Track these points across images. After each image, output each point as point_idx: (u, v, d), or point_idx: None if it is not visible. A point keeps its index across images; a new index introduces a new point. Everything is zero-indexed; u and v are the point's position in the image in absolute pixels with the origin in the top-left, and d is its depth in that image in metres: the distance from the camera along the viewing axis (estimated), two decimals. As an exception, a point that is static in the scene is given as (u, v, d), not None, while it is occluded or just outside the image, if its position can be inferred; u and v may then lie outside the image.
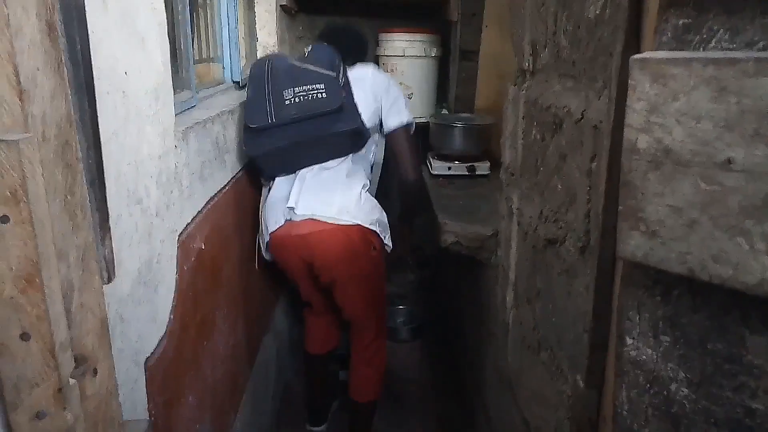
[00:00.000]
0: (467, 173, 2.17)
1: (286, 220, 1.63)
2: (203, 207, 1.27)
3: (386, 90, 1.72)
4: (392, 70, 2.51)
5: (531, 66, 1.28)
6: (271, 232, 1.66)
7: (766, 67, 0.40)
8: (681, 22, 0.49)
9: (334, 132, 1.54)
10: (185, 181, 1.14)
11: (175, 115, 1.21)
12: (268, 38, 2.27)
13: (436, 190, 2.07)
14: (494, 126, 2.10)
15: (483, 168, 2.17)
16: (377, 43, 2.55)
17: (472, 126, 2.17)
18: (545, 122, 1.15)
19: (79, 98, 0.60)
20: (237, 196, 1.55)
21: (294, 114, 1.51)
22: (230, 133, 1.52)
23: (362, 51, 1.86)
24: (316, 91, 1.51)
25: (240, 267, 1.60)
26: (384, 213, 1.76)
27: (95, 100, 0.63)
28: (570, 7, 1.01)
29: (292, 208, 1.61)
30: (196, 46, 1.80)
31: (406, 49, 2.47)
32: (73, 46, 0.59)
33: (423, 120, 2.48)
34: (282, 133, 1.52)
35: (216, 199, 1.36)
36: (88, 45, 0.62)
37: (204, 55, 1.85)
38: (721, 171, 0.44)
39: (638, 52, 0.69)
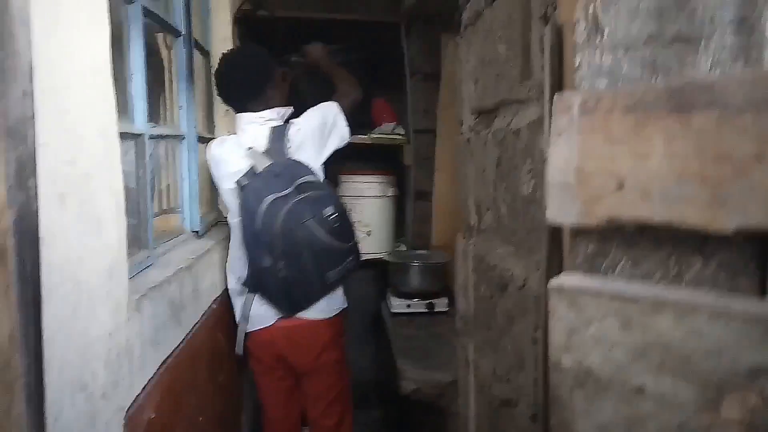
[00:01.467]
0: (426, 310, 2.20)
1: (278, 319, 1.79)
2: (155, 373, 1.23)
3: (320, 136, 1.80)
4: (352, 209, 2.60)
5: (477, 224, 1.35)
6: (256, 330, 1.82)
7: (662, 308, 0.45)
8: (590, 247, 0.54)
9: None
10: (137, 351, 1.12)
11: (130, 278, 1.22)
12: (229, 183, 2.35)
13: (396, 329, 2.08)
14: (450, 263, 2.17)
15: (441, 305, 2.21)
16: (337, 184, 2.66)
17: (429, 265, 2.23)
18: (492, 281, 1.20)
19: (24, 316, 0.60)
20: (191, 353, 1.52)
21: (333, 287, 1.80)
22: (187, 290, 1.52)
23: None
24: (349, 264, 1.79)
25: (195, 424, 1.53)
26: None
27: (41, 315, 0.64)
28: (507, 180, 1.10)
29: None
30: (156, 199, 1.85)
31: (365, 189, 2.59)
32: (23, 267, 0.61)
33: (381, 256, 2.54)
34: None
35: (169, 360, 1.33)
36: (39, 264, 0.64)
37: (164, 207, 1.90)
38: (636, 396, 0.47)
39: (561, 247, 0.75)
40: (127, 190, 1.43)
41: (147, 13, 1.46)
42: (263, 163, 1.70)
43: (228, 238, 1.92)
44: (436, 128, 2.39)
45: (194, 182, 1.88)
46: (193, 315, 1.58)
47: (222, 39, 2.21)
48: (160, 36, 1.84)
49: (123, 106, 1.38)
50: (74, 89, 0.89)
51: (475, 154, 1.34)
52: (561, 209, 0.53)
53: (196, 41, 1.96)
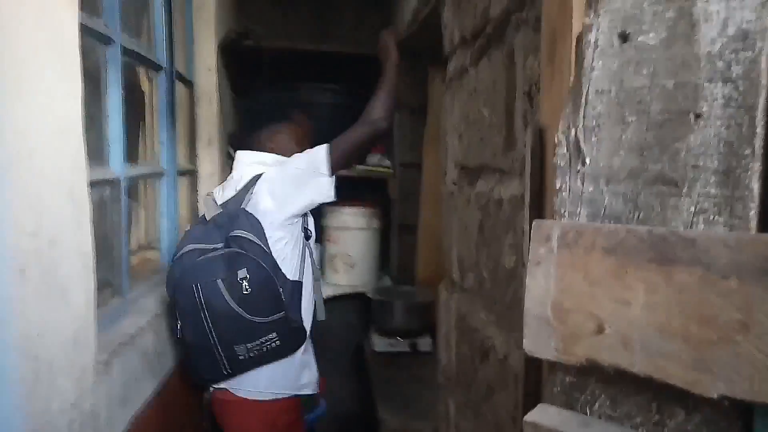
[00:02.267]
0: (409, 350, 2.17)
1: (214, 389, 1.54)
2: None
3: (279, 191, 1.48)
4: (336, 241, 2.58)
5: (459, 280, 1.33)
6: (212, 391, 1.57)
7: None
8: (568, 379, 0.52)
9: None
10: (103, 414, 1.08)
11: (101, 332, 1.18)
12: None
13: (377, 369, 2.05)
14: (435, 302, 2.14)
15: (425, 344, 2.18)
16: (322, 215, 2.63)
17: (412, 303, 2.20)
18: (474, 343, 1.17)
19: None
20: (165, 401, 1.47)
21: (249, 366, 1.46)
22: (162, 336, 1.48)
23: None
24: (269, 342, 1.44)
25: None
26: (314, 365, 1.63)
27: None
28: (489, 247, 1.07)
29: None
30: (133, 236, 1.81)
31: (349, 221, 2.56)
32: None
33: (365, 289, 2.51)
34: None
35: (139, 414, 1.29)
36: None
37: (141, 243, 1.85)
38: None
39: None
40: (101, 237, 1.39)
41: (126, 51, 1.42)
42: (213, 212, 1.52)
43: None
44: (422, 162, 2.37)
45: (173, 218, 1.84)
46: (168, 361, 1.53)
47: (206, 69, 2.18)
48: (141, 69, 1.80)
49: (99, 150, 1.34)
50: (40, 155, 0.86)
51: (459, 210, 1.32)
52: (538, 343, 0.51)
53: (178, 73, 1.93)
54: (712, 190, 0.42)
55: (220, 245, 1.45)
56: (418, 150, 2.39)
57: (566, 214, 0.50)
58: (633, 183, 0.46)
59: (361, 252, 2.57)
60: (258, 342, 1.43)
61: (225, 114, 2.33)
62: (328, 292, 2.57)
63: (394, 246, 2.57)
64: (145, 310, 1.45)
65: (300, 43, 2.44)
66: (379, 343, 2.18)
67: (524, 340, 0.52)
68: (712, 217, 0.43)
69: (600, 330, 0.45)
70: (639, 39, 0.46)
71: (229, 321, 1.41)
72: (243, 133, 1.73)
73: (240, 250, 1.41)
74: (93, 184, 1.24)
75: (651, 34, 0.45)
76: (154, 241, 1.88)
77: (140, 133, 1.84)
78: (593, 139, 0.48)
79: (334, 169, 1.50)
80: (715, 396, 0.39)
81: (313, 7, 2.75)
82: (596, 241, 0.45)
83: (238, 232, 1.43)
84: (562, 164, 0.51)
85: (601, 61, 0.48)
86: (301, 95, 2.39)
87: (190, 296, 1.41)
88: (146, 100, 1.85)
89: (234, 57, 2.34)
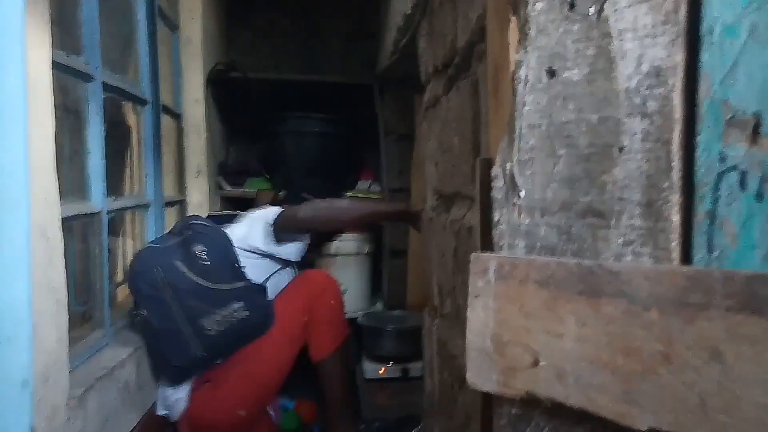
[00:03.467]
0: (401, 375, 2.15)
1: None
2: (101, 470, 1.18)
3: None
4: (327, 267, 2.58)
5: (439, 306, 1.33)
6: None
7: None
8: (513, 410, 0.52)
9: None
10: (78, 453, 1.07)
11: (81, 364, 1.18)
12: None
13: (369, 399, 2.03)
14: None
15: (416, 369, 2.16)
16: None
17: (403, 328, 2.19)
18: (453, 370, 1.17)
19: None
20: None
21: (221, 343, 1.46)
22: (144, 368, 1.47)
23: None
24: (237, 312, 1.45)
25: None
26: None
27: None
28: (463, 272, 1.07)
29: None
30: (120, 268, 1.81)
31: (340, 247, 2.56)
32: None
33: (356, 315, 2.50)
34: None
35: (120, 451, 1.28)
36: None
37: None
38: None
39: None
40: (83, 270, 1.39)
41: (109, 87, 1.45)
42: None
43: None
44: (410, 187, 2.38)
45: (160, 249, 1.85)
46: (152, 394, 1.52)
47: (193, 101, 2.21)
48: (127, 103, 1.83)
49: (81, 185, 1.36)
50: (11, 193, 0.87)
51: (436, 236, 1.32)
52: (480, 375, 0.51)
53: (165, 106, 1.95)
54: (637, 222, 0.43)
55: (177, 239, 1.54)
56: (406, 176, 2.41)
57: (506, 246, 0.51)
58: (565, 215, 0.47)
59: (352, 277, 2.57)
60: (224, 311, 1.44)
61: (214, 144, 2.35)
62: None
63: (385, 271, 2.57)
64: (127, 342, 1.45)
65: (288, 74, 2.47)
66: (370, 370, 2.16)
67: (467, 373, 0.52)
68: (638, 249, 0.43)
69: (536, 363, 0.45)
70: (564, 75, 0.47)
71: (191, 295, 1.43)
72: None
73: (194, 231, 1.53)
74: (74, 218, 1.26)
75: (575, 71, 0.46)
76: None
77: (126, 166, 1.85)
78: (527, 172, 0.49)
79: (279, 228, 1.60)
80: (644, 429, 0.39)
81: (301, 39, 2.80)
82: (530, 273, 0.46)
83: (193, 221, 1.58)
84: (499, 197, 0.52)
85: (532, 96, 0.49)
86: (288, 124, 2.42)
87: (151, 281, 1.43)
88: (132, 133, 1.87)
89: (222, 89, 2.37)
